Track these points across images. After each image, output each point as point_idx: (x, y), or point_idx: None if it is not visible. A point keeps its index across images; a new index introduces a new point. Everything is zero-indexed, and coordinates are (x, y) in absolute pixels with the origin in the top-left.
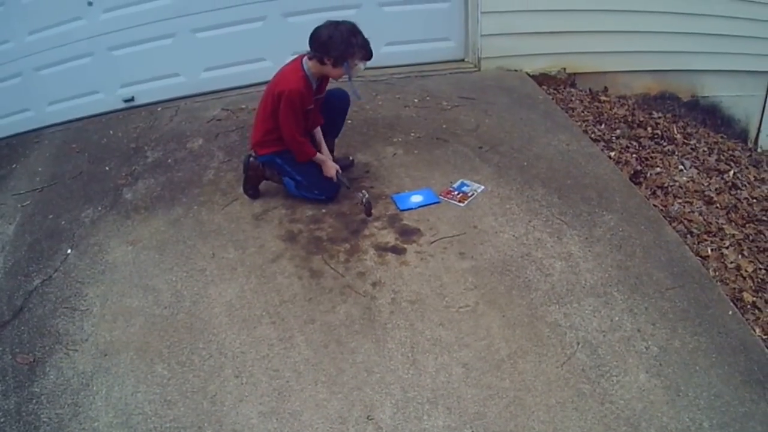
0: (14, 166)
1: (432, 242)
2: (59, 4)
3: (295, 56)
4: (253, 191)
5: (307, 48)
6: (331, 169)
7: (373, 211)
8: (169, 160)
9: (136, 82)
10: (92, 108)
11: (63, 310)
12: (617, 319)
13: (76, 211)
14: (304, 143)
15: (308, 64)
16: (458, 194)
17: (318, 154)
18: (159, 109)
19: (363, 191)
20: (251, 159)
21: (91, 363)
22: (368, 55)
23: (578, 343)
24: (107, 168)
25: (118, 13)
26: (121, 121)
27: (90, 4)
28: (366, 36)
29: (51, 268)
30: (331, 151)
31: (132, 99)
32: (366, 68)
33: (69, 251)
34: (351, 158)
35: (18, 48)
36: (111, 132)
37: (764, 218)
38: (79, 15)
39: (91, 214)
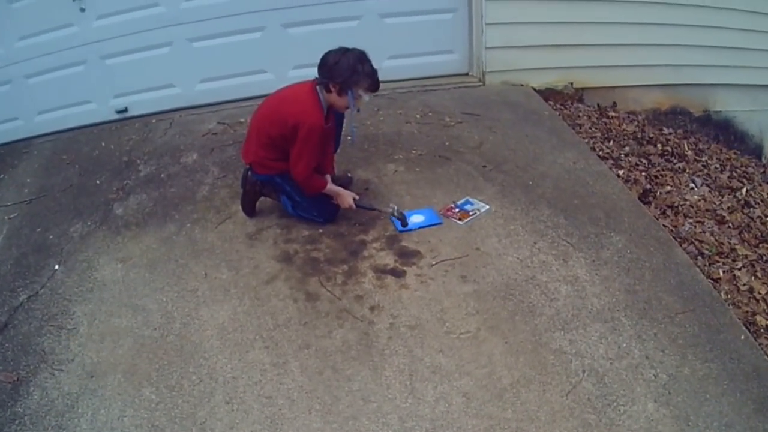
0: (1, 176)
1: (433, 265)
2: (51, 9)
3: (301, 80)
4: (249, 208)
5: (308, 61)
6: (347, 198)
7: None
8: (162, 175)
9: (129, 93)
10: (84, 118)
11: (49, 328)
12: (625, 345)
13: (65, 225)
14: (315, 178)
15: (322, 93)
16: (458, 211)
17: (329, 185)
18: (153, 121)
19: (391, 204)
20: (249, 174)
21: (77, 384)
22: (374, 86)
23: (584, 371)
24: (98, 181)
25: (111, 20)
26: (114, 132)
27: (83, 10)
28: (368, 49)
29: (38, 283)
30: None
31: (125, 110)
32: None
33: (57, 267)
34: (350, 174)
35: (7, 54)
36: (103, 144)
37: None
38: (71, 21)
39: (81, 229)
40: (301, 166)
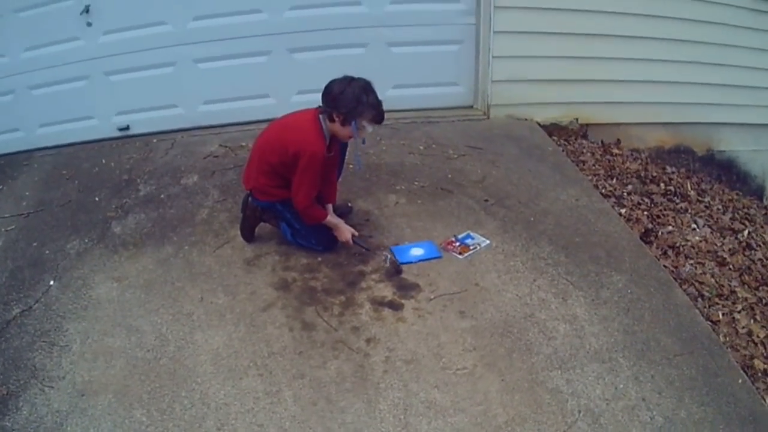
0: (1, 187)
1: (431, 299)
2: (58, 21)
3: (304, 108)
4: (248, 233)
5: (312, 87)
6: (346, 232)
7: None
8: (162, 196)
9: (132, 111)
10: (85, 134)
11: (41, 343)
12: (622, 386)
13: (62, 241)
14: (315, 208)
15: (324, 122)
16: (459, 245)
17: (329, 217)
18: (154, 140)
19: (386, 252)
20: (250, 199)
21: (67, 402)
22: (378, 117)
23: (580, 411)
24: (97, 198)
25: (117, 37)
26: (115, 150)
27: (89, 24)
28: (374, 78)
29: (32, 298)
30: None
31: (127, 128)
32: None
33: (52, 282)
34: (350, 204)
35: (12, 64)
36: (103, 161)
37: None
38: (77, 35)
39: (77, 245)
40: (302, 195)
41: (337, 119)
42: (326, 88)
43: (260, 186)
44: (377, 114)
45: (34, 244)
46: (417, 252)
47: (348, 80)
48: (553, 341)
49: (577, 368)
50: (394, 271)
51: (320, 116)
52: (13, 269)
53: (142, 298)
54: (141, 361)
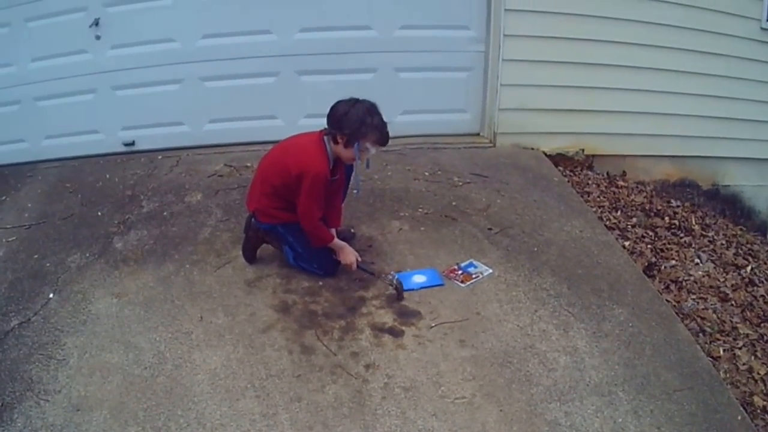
0: (4, 198)
1: (432, 327)
2: (66, 33)
3: (309, 130)
4: (250, 254)
5: (320, 110)
6: (350, 255)
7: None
8: (165, 213)
9: (138, 126)
10: (90, 148)
11: (38, 356)
12: (620, 420)
13: (63, 254)
14: (322, 229)
15: (329, 143)
16: (462, 273)
17: (335, 239)
18: (159, 157)
19: (392, 273)
20: (253, 220)
21: (62, 416)
22: (382, 140)
23: None
24: (100, 213)
25: (125, 51)
26: (119, 165)
27: (98, 38)
28: (382, 103)
29: (30, 310)
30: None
31: (133, 143)
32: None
33: (51, 295)
34: (352, 230)
35: (19, 74)
36: (107, 175)
37: None
38: (85, 48)
39: (78, 259)
40: (308, 217)
41: (340, 140)
42: (332, 109)
43: (263, 208)
44: (381, 136)
45: (35, 256)
46: (419, 279)
47: (353, 101)
48: (553, 373)
49: (577, 401)
50: (398, 294)
51: (325, 138)
52: (13, 280)
53: (141, 315)
54: (138, 378)
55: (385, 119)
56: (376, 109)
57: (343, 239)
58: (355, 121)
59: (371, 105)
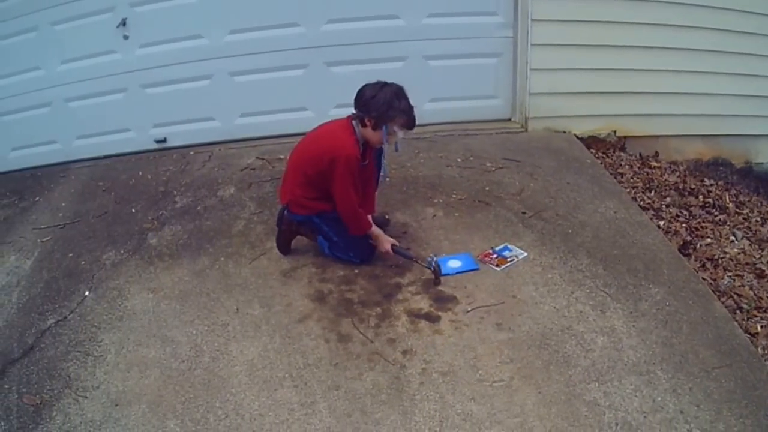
0: (37, 199)
1: (468, 311)
2: (94, 34)
3: (339, 117)
4: (284, 247)
5: (350, 100)
6: (386, 243)
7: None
8: (198, 207)
9: (169, 123)
10: (122, 146)
11: (76, 353)
12: (660, 399)
13: (98, 252)
14: (362, 216)
15: (357, 127)
16: (496, 257)
17: (373, 227)
18: (191, 153)
19: (432, 255)
20: (285, 213)
21: (101, 412)
22: (410, 123)
23: (617, 424)
24: (133, 210)
25: (154, 50)
26: (152, 162)
27: (126, 37)
28: (411, 91)
29: (67, 308)
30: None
31: (164, 140)
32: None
33: (87, 293)
34: (387, 216)
35: (49, 76)
36: (140, 173)
37: None
38: (113, 48)
39: (113, 256)
40: (346, 202)
41: (368, 123)
42: (359, 92)
43: (296, 198)
44: (408, 120)
45: (70, 254)
46: (454, 264)
47: (380, 85)
48: (590, 354)
49: (615, 381)
50: (435, 277)
51: (353, 122)
52: (49, 280)
53: (177, 309)
54: (175, 372)
55: (413, 104)
56: (403, 93)
57: (378, 226)
58: (383, 104)
59: (399, 88)
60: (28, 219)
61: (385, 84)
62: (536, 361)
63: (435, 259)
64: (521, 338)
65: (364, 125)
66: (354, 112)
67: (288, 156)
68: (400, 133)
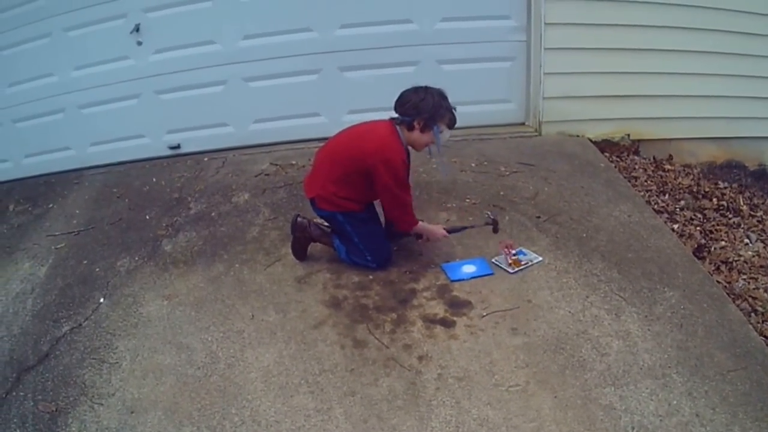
0: (51, 205)
1: (483, 316)
2: (108, 40)
3: (378, 119)
4: (300, 253)
5: (363, 105)
6: (438, 229)
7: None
8: (213, 214)
9: (182, 129)
10: (136, 152)
11: (91, 360)
12: (675, 402)
13: (112, 259)
14: (410, 212)
15: (402, 132)
16: (514, 254)
17: (420, 223)
18: (205, 159)
19: (486, 213)
20: (299, 219)
21: (116, 419)
22: (454, 121)
23: (633, 428)
24: (148, 216)
25: (167, 56)
26: (165, 168)
27: (140, 43)
28: None
29: (81, 315)
30: None
31: (178, 146)
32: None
33: (101, 300)
34: (421, 220)
35: (62, 83)
36: (154, 179)
37: None
38: (127, 54)
39: (128, 263)
40: (401, 204)
41: (417, 126)
42: (402, 98)
43: (326, 194)
44: (453, 117)
45: (85, 261)
46: (469, 269)
47: (424, 88)
48: (606, 358)
49: (631, 384)
50: (494, 227)
51: (397, 127)
52: (63, 287)
53: (192, 316)
54: (191, 379)
55: None
56: (444, 93)
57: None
58: (433, 105)
59: (440, 90)
60: (42, 226)
61: (427, 87)
62: (552, 365)
63: (490, 215)
64: (536, 343)
65: (411, 128)
66: (396, 117)
67: (303, 161)
68: (447, 133)
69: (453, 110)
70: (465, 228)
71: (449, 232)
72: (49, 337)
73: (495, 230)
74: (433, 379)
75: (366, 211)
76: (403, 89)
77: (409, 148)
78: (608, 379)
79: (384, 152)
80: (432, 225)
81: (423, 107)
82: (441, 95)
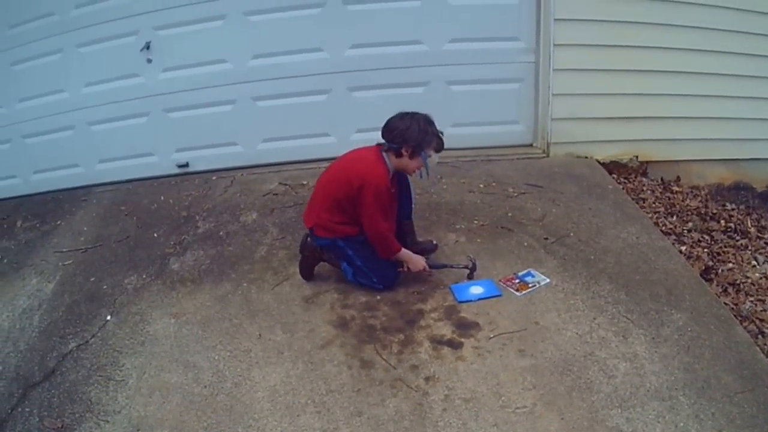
0: (59, 222)
1: (491, 337)
2: (118, 58)
3: (364, 146)
4: (308, 272)
5: (372, 125)
6: (419, 262)
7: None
8: (221, 233)
9: (191, 148)
10: (144, 170)
11: (97, 377)
12: (682, 425)
13: (120, 276)
14: (390, 239)
15: (389, 158)
16: (518, 282)
17: (402, 250)
18: (214, 177)
19: (468, 256)
20: (308, 239)
21: None
22: (441, 145)
23: None
24: (155, 235)
25: (177, 74)
26: (174, 187)
27: (150, 61)
28: (434, 116)
29: (88, 332)
30: (412, 233)
31: (186, 165)
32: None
33: (108, 317)
34: (435, 242)
35: (72, 99)
36: (162, 197)
37: None
38: (137, 72)
39: (135, 281)
40: (374, 227)
41: (405, 153)
42: (389, 126)
43: (322, 222)
44: (440, 141)
45: (92, 278)
46: (476, 291)
47: (409, 115)
48: (613, 380)
49: (638, 407)
50: (471, 272)
51: (383, 153)
52: (71, 303)
53: (199, 335)
54: (198, 397)
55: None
56: (431, 119)
57: (423, 250)
58: (419, 132)
59: (426, 116)
60: (50, 242)
61: (413, 114)
62: (559, 387)
63: (472, 256)
64: (544, 364)
65: (399, 155)
66: (383, 143)
67: (313, 181)
68: (435, 157)
69: (440, 135)
70: (445, 266)
71: (431, 267)
72: (56, 354)
73: (470, 276)
74: (440, 400)
75: (364, 233)
76: (405, 110)
77: (397, 173)
78: (615, 401)
79: (368, 176)
80: (416, 257)
81: (410, 135)
82: (427, 121)
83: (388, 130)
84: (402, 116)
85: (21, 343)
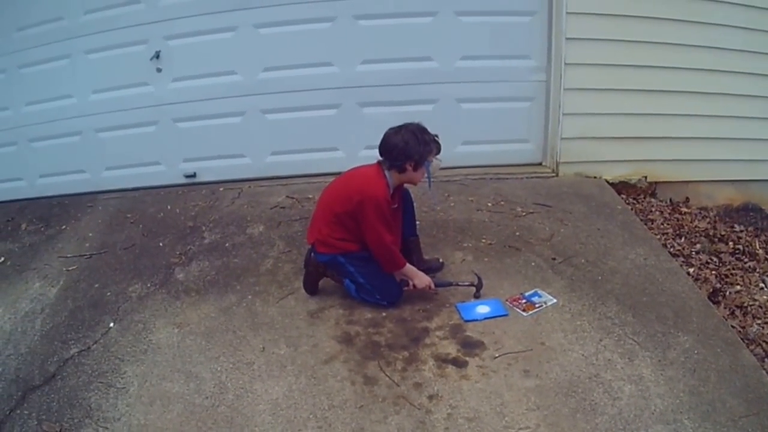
0: (64, 227)
1: (496, 357)
2: (127, 66)
3: (368, 163)
4: (311, 287)
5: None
6: (424, 279)
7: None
8: (227, 244)
9: (199, 158)
10: (151, 179)
11: (98, 384)
12: None
13: (124, 284)
14: (395, 252)
15: (390, 175)
16: (525, 302)
17: (407, 265)
18: (221, 189)
19: (472, 271)
20: (313, 254)
21: None
22: (439, 149)
23: None
24: (161, 244)
25: (186, 84)
26: (180, 196)
27: (159, 70)
28: (443, 133)
29: (90, 339)
30: (418, 251)
31: (194, 175)
32: (440, 168)
33: (111, 324)
34: (441, 261)
35: (80, 106)
36: (169, 207)
37: None
38: (146, 80)
39: (139, 289)
40: (378, 241)
41: (409, 167)
42: (387, 145)
43: (323, 237)
44: (438, 146)
45: (96, 285)
46: (483, 310)
47: (402, 129)
48: (618, 402)
49: (642, 429)
50: (477, 290)
51: (385, 171)
52: (74, 309)
53: (202, 345)
54: (198, 408)
55: (443, 145)
56: (422, 125)
57: (429, 269)
58: (417, 145)
59: (417, 124)
60: (54, 247)
61: (402, 127)
62: (563, 408)
63: (477, 272)
64: (548, 385)
65: (403, 170)
66: (384, 161)
67: (317, 197)
68: (437, 161)
69: (436, 138)
70: (450, 284)
71: (436, 284)
72: (57, 358)
73: (476, 294)
74: (442, 418)
75: (366, 250)
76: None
77: (398, 188)
78: (619, 423)
79: (367, 191)
80: (421, 274)
81: (411, 150)
82: (421, 130)
83: (387, 150)
84: (396, 131)
85: (22, 346)
